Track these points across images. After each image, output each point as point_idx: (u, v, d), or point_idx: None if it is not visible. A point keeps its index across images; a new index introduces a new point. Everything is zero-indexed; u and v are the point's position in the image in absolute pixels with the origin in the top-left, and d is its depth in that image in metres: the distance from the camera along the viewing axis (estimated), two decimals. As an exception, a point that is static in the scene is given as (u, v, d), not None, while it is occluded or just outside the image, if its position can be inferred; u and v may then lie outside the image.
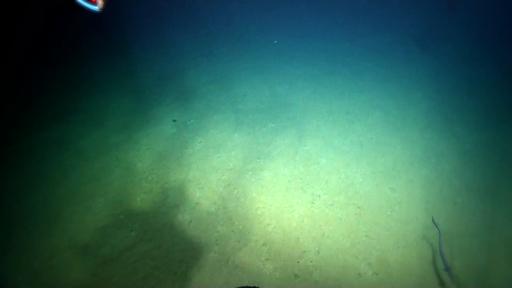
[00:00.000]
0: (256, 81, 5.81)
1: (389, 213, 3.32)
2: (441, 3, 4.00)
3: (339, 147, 4.15)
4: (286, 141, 4.24)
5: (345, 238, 3.07)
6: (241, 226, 3.14)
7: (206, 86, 5.57)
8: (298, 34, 8.41)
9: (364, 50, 6.83)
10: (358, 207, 3.37)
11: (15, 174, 3.63)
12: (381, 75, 5.77)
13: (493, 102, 5.02)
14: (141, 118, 4.69)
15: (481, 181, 3.77)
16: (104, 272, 2.74)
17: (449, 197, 3.57)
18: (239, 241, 3.02)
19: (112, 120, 4.62)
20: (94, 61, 6.90)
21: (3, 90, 5.39)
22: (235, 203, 3.39)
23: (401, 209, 3.39)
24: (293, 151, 4.08)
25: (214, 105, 5.00)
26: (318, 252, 2.95)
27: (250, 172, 3.76)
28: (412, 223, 3.25)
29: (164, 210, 3.28)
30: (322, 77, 5.79)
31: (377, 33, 8.20)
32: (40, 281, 2.70)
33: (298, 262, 2.87)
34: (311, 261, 2.88)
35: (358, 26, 8.84)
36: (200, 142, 4.20)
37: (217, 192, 3.51)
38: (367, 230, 3.15)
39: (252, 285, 2.45)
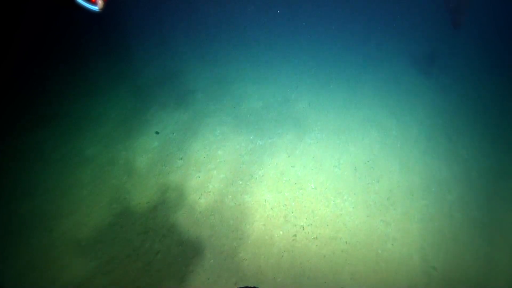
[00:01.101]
0: (249, 90, 5.51)
1: (379, 251, 2.97)
2: (446, 18, 3.65)
3: (330, 170, 3.81)
4: (273, 160, 3.93)
5: (328, 279, 2.74)
6: (212, 261, 2.84)
7: (196, 94, 5.29)
8: (297, 42, 8.07)
9: (364, 61, 6.45)
10: (346, 243, 3.04)
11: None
12: (382, 89, 5.38)
13: (504, 126, 4.60)
14: (123, 128, 4.44)
15: (487, 216, 3.38)
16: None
17: (450, 234, 3.20)
18: (209, 278, 2.72)
19: (92, 131, 4.38)
20: (90, 63, 6.77)
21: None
22: (210, 231, 3.09)
23: (394, 246, 3.03)
24: (279, 172, 3.76)
25: (201, 116, 4.71)
26: (295, 296, 2.63)
27: (230, 196, 3.45)
28: (405, 265, 2.90)
29: (131, 237, 3.00)
30: (319, 88, 5.44)
31: (379, 43, 7.79)
32: None
33: (271, 307, 2.56)
34: (286, 307, 2.56)
35: (359, 33, 8.44)
36: (181, 158, 3.92)
37: (191, 218, 3.22)
38: (353, 272, 2.81)
39: (252, 286, 2.40)
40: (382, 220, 3.26)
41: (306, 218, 3.24)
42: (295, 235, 3.07)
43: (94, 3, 1.46)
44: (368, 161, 3.96)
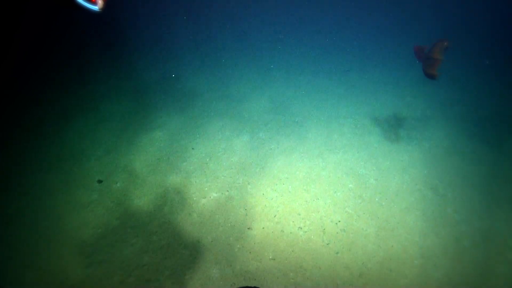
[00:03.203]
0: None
1: None
2: (419, 69, 3.17)
3: (294, 232, 3.19)
4: (210, 237, 3.32)
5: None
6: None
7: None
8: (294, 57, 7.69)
9: (349, 91, 5.97)
10: None
11: None
12: (364, 127, 4.85)
13: (501, 177, 3.98)
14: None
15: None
16: None
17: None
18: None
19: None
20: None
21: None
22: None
23: None
24: (228, 251, 3.14)
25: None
26: None
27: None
28: None
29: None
30: (297, 126, 4.89)
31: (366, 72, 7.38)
32: None
33: None
34: None
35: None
36: (118, 218, 3.33)
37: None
38: None
39: (252, 285, 2.44)
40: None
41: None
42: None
43: (94, 3, 1.46)
44: (339, 221, 3.33)
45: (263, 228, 3.27)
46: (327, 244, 3.12)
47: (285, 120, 4.96)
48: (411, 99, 5.70)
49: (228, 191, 3.66)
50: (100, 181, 3.84)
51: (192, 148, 4.35)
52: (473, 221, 3.27)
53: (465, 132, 4.76)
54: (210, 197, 3.59)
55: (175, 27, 9.69)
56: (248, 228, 3.26)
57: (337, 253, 3.03)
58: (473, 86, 6.43)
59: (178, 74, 6.65)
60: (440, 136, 4.64)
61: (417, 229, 3.23)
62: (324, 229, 3.25)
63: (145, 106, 5.39)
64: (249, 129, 4.71)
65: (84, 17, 7.88)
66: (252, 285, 2.60)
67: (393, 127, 4.83)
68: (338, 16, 12.17)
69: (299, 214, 3.40)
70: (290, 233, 3.22)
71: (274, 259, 2.96)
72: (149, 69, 6.85)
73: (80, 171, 3.94)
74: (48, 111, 5.09)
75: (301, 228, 3.27)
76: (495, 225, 3.23)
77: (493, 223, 3.25)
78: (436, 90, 6.03)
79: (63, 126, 4.76)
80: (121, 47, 8.14)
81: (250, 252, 3.04)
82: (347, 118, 5.03)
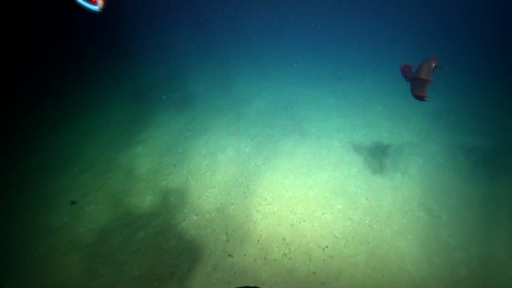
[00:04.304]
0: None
1: None
2: (408, 88, 2.96)
3: (278, 259, 2.94)
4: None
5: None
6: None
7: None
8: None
9: (340, 102, 5.78)
10: None
11: None
12: (355, 141, 4.64)
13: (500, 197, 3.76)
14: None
15: None
16: None
17: None
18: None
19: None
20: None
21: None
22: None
23: None
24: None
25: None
26: None
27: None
28: None
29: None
30: (284, 140, 4.68)
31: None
32: None
33: None
34: None
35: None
36: (88, 245, 3.08)
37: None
38: None
39: (252, 285, 2.44)
40: None
41: None
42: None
43: (94, 3, 1.45)
44: (326, 247, 3.10)
45: (245, 254, 3.03)
46: (313, 272, 2.88)
47: (272, 133, 4.75)
48: (405, 111, 5.51)
49: (209, 213, 3.43)
50: (73, 202, 3.59)
51: (174, 165, 4.12)
52: (470, 247, 3.04)
53: (461, 146, 4.56)
54: (190, 220, 3.35)
55: (174, 28, 9.54)
56: (228, 255, 3.02)
57: (323, 284, 2.79)
58: (469, 95, 6.27)
59: (166, 89, 6.47)
60: (434, 150, 4.44)
61: (410, 256, 2.99)
62: (310, 256, 3.02)
63: (127, 118, 5.17)
64: (234, 143, 4.50)
65: (84, 17, 7.90)
66: (253, 285, 2.56)
67: (386, 141, 4.63)
68: (331, 19, 12.10)
69: (284, 239, 3.16)
70: (274, 260, 2.99)
71: (255, 293, 2.71)
72: (136, 78, 6.65)
73: (51, 190, 3.70)
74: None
75: (285, 255, 3.03)
76: (494, 252, 3.01)
77: (492, 249, 3.03)
78: (430, 100, 5.85)
79: (43, 138, 4.56)
80: (121, 48, 8.05)
81: (229, 283, 2.79)
82: (338, 131, 4.83)
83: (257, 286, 2.36)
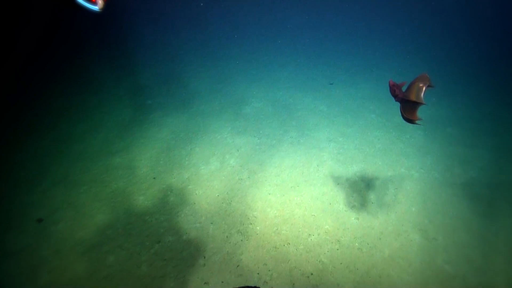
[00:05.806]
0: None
1: None
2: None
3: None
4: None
5: None
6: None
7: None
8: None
9: (332, 109, 5.51)
10: None
11: None
12: (346, 153, 4.38)
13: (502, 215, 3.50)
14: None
15: None
16: None
17: None
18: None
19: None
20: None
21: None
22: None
23: None
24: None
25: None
26: None
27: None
28: None
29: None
30: (272, 151, 4.41)
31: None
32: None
33: None
34: None
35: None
36: (49, 272, 2.81)
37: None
38: None
39: (252, 285, 2.35)
40: None
41: None
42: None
43: (94, 3, 1.44)
44: (311, 274, 2.84)
45: (222, 282, 2.77)
46: (296, 304, 2.63)
47: (259, 143, 4.49)
48: (399, 120, 5.24)
49: (187, 233, 3.16)
50: (39, 220, 3.32)
51: (154, 178, 3.86)
52: (468, 275, 2.79)
53: (459, 158, 4.31)
54: (165, 241, 3.09)
55: (174, 28, 9.27)
56: (204, 283, 2.76)
57: (306, 317, 2.54)
58: (467, 104, 6.02)
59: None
60: (430, 163, 4.19)
61: (402, 285, 2.74)
62: (293, 285, 2.76)
63: (109, 125, 4.89)
64: (219, 154, 4.23)
65: (84, 17, 7.86)
66: (253, 285, 2.42)
67: (379, 153, 4.37)
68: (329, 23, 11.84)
69: (266, 264, 2.90)
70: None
71: (230, 328, 2.46)
72: (120, 83, 6.36)
73: (18, 206, 3.42)
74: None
75: (266, 282, 2.77)
76: (495, 281, 2.76)
77: (492, 278, 2.78)
78: (427, 108, 5.60)
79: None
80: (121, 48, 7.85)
81: (204, 315, 2.53)
82: (329, 141, 4.57)
83: (257, 286, 2.30)
